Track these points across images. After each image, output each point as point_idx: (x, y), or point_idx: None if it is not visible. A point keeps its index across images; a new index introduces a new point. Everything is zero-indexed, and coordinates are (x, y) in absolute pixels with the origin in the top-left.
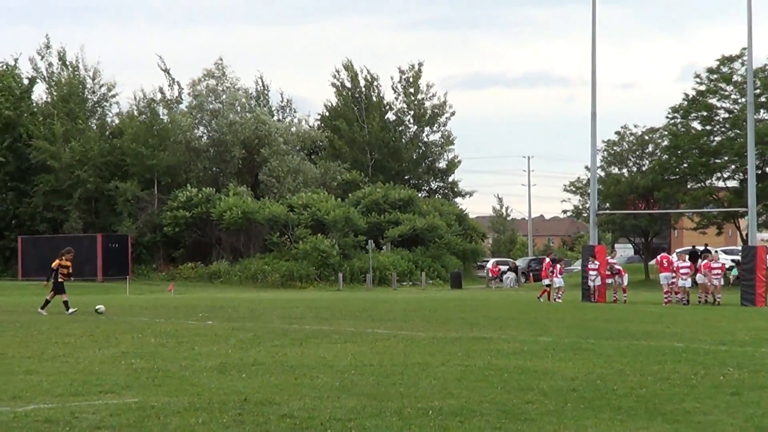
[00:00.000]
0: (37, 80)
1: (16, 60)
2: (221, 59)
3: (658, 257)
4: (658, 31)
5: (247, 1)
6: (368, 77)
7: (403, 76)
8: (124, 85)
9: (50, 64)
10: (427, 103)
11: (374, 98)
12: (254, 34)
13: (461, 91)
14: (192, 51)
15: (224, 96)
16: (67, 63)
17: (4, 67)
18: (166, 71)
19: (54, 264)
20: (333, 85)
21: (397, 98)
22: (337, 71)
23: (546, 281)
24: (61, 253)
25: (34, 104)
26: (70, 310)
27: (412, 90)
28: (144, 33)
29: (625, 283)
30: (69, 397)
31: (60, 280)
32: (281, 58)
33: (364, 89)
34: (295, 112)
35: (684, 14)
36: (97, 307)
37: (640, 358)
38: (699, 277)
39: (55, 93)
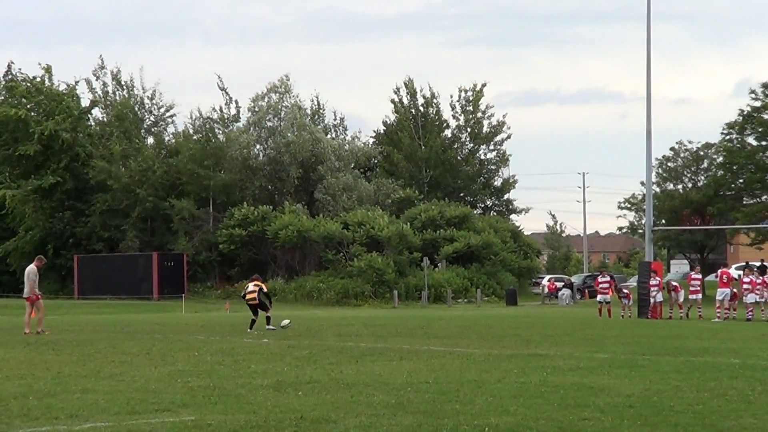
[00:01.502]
0: (98, 104)
1: (76, 82)
2: (287, 76)
3: (718, 272)
4: (713, 47)
5: (299, 20)
6: (427, 95)
7: (463, 95)
8: (180, 105)
9: (105, 84)
10: (485, 122)
11: (432, 115)
12: (306, 53)
13: (515, 108)
14: (245, 70)
15: (283, 113)
16: (122, 83)
17: (65, 88)
18: (224, 90)
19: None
20: (392, 101)
21: (454, 116)
22: (398, 88)
23: (605, 298)
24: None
25: (92, 124)
26: (269, 327)
27: (470, 108)
28: (198, 53)
29: (681, 299)
30: (126, 416)
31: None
32: (333, 76)
33: (422, 107)
34: (345, 129)
35: (738, 30)
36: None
37: (697, 374)
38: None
39: (110, 113)
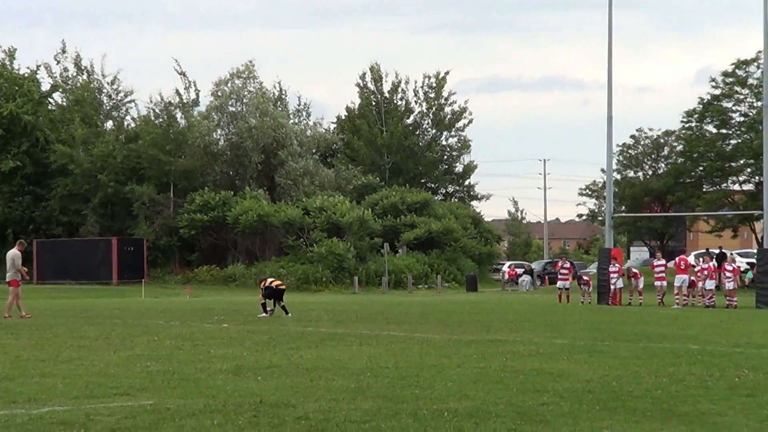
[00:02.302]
0: (59, 89)
1: (38, 66)
2: (251, 61)
3: (677, 259)
4: (674, 35)
5: (261, 5)
6: (394, 81)
7: (427, 82)
8: (141, 91)
9: (66, 69)
10: (447, 109)
11: (396, 101)
12: (268, 38)
13: (477, 95)
14: (206, 55)
15: (246, 98)
16: (82, 67)
17: (26, 72)
18: (182, 74)
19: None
20: (358, 86)
21: (417, 102)
22: (364, 74)
23: (564, 284)
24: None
25: (54, 109)
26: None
27: (433, 95)
28: (159, 37)
29: (641, 286)
30: (84, 400)
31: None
32: (295, 62)
33: (387, 93)
34: (309, 115)
35: (699, 18)
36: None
37: (656, 360)
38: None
39: (70, 97)
